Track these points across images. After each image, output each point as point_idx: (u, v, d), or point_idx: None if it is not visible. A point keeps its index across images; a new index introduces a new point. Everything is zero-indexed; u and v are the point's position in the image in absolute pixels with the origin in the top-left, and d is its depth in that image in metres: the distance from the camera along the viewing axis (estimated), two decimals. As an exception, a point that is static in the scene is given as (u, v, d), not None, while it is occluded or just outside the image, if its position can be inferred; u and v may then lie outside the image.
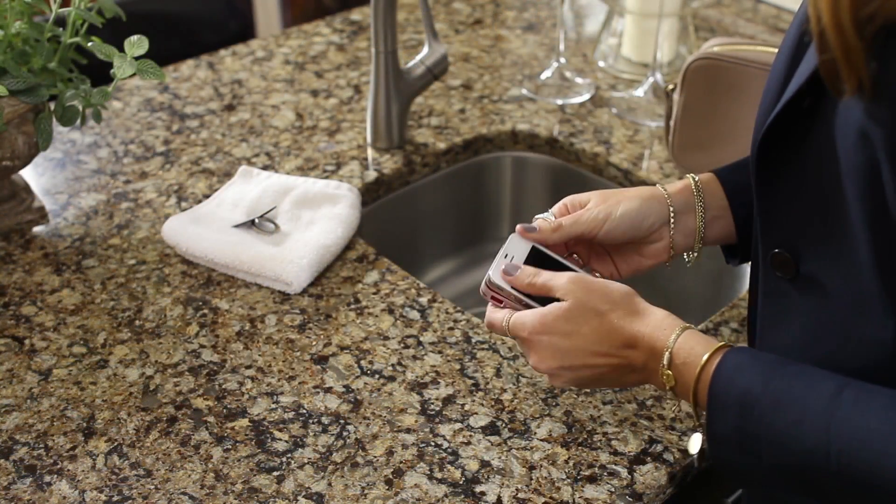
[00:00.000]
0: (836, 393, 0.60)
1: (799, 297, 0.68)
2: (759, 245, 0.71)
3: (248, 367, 0.89)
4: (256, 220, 1.05)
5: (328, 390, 0.87)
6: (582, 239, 0.82)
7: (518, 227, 0.82)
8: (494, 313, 0.79)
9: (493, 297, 0.79)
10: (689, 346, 0.69)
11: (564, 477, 0.78)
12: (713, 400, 0.65)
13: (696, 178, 0.83)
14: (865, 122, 0.56)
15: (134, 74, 0.97)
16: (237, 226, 1.05)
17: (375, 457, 0.80)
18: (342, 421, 0.83)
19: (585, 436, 0.82)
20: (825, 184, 0.63)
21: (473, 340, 0.92)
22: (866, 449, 0.57)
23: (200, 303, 0.97)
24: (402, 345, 0.92)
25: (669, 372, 0.70)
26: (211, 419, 0.84)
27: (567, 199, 0.84)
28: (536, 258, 0.80)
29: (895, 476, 0.56)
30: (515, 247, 0.81)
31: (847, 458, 0.58)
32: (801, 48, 0.65)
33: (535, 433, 0.82)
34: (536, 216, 0.84)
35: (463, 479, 0.78)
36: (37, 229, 1.07)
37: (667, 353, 0.70)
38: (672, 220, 0.82)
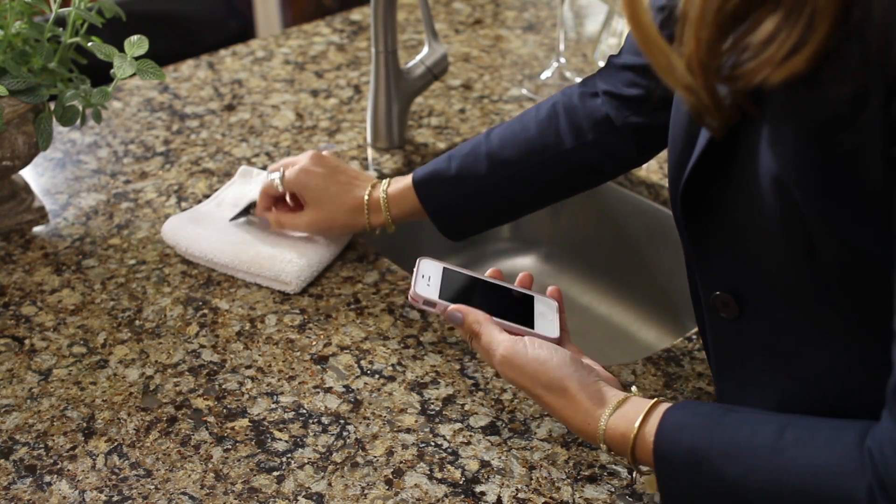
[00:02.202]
0: (778, 435, 0.61)
1: (747, 335, 0.68)
2: (698, 288, 0.71)
3: (248, 367, 0.89)
4: (252, 211, 1.04)
5: (328, 390, 0.87)
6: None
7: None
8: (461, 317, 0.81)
9: (424, 303, 0.81)
10: (620, 432, 0.69)
11: (564, 477, 0.78)
12: (660, 463, 0.66)
13: (386, 193, 0.98)
14: (775, 166, 0.57)
15: (134, 74, 0.97)
16: (234, 218, 1.04)
17: (375, 457, 0.80)
18: (342, 421, 0.83)
19: (585, 436, 0.82)
20: (754, 226, 0.63)
21: (473, 340, 0.92)
22: (819, 486, 0.58)
23: (200, 303, 0.97)
24: (402, 345, 0.92)
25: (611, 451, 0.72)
26: (211, 419, 0.84)
27: (290, 175, 1.01)
28: (449, 276, 0.83)
29: None
30: (427, 268, 0.83)
31: (801, 496, 0.59)
32: None
33: (535, 433, 0.82)
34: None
35: (463, 479, 0.78)
36: (37, 229, 1.07)
37: (602, 444, 0.71)
38: (367, 230, 1.01)
